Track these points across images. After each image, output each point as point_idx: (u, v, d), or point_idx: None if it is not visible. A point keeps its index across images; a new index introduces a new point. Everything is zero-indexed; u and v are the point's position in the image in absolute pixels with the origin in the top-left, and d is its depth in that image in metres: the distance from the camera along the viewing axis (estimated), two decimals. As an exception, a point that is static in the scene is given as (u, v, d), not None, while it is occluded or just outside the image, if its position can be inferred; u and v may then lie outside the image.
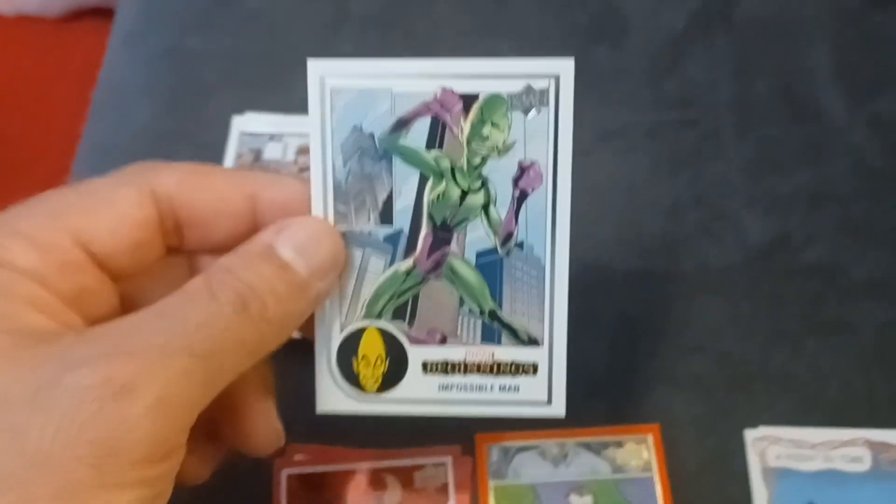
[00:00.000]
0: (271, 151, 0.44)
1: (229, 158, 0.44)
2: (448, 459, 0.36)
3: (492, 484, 0.36)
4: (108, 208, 0.26)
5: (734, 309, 0.41)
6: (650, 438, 0.37)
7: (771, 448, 0.37)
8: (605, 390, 0.39)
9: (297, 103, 0.46)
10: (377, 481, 0.36)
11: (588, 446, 0.37)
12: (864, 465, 0.37)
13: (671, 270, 0.42)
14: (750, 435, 0.37)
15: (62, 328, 0.24)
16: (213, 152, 0.45)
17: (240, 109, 0.46)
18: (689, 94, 0.47)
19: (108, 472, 0.21)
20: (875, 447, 0.37)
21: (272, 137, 0.44)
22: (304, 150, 0.44)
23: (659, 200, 0.44)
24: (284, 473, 0.36)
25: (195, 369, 0.23)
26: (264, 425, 0.29)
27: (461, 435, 0.37)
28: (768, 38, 0.49)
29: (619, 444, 0.37)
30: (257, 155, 0.44)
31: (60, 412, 0.21)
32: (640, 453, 0.37)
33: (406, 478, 0.36)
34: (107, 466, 0.21)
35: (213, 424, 0.28)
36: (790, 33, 0.49)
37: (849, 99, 0.46)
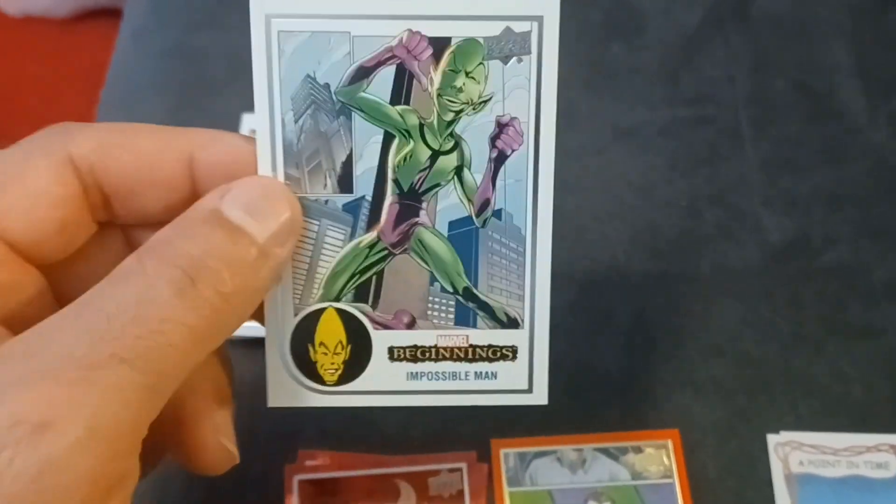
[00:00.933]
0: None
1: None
2: (463, 465, 0.35)
3: (508, 490, 0.35)
4: (20, 187, 0.22)
5: (753, 311, 0.40)
6: (670, 444, 0.36)
7: (794, 454, 0.36)
8: (622, 394, 0.38)
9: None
10: (390, 488, 0.35)
11: (606, 452, 0.36)
12: (890, 472, 0.36)
13: (688, 271, 0.41)
14: (772, 440, 0.37)
15: None
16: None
17: (248, 107, 0.46)
18: (705, 92, 0.47)
19: None
20: (901, 452, 0.36)
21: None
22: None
23: (675, 200, 0.43)
24: (296, 479, 0.35)
25: (132, 380, 0.19)
26: (213, 444, 0.24)
27: (477, 440, 0.36)
28: (785, 35, 0.48)
29: (639, 450, 0.36)
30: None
31: None
32: (659, 459, 0.36)
33: (420, 484, 0.35)
34: None
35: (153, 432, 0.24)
36: (807, 30, 0.48)
37: (869, 97, 0.46)
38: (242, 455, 0.36)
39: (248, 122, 0.44)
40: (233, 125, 0.45)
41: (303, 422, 0.37)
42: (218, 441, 0.24)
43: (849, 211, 0.43)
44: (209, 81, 0.48)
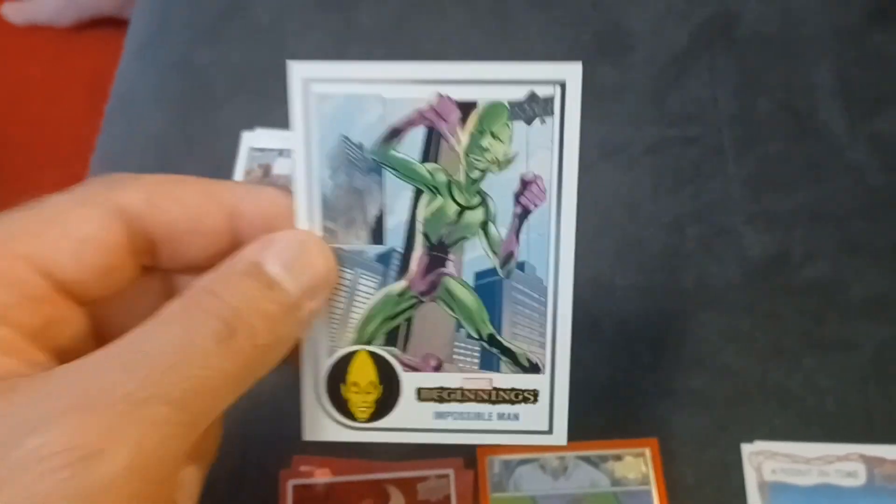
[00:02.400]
0: (280, 167, 0.44)
1: (238, 173, 0.45)
2: (450, 472, 0.37)
3: (493, 496, 0.37)
4: (70, 231, 0.24)
5: (733, 325, 0.42)
6: (648, 452, 0.38)
7: (767, 462, 0.38)
8: (604, 404, 0.40)
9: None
10: (381, 492, 0.37)
11: (587, 459, 0.37)
12: (860, 480, 0.37)
13: (671, 286, 0.43)
14: (746, 449, 0.38)
15: (28, 368, 0.22)
16: (222, 162, 0.46)
17: (249, 121, 0.47)
18: (691, 111, 0.48)
19: None
20: (870, 462, 0.38)
21: (281, 153, 0.45)
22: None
23: (660, 216, 0.45)
24: (290, 484, 0.37)
25: (172, 418, 0.21)
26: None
27: (464, 448, 0.38)
28: (770, 56, 0.49)
29: (618, 458, 0.37)
30: (266, 170, 0.44)
31: (26, 482, 0.19)
32: (638, 466, 0.37)
33: (409, 489, 0.37)
34: None
35: None
36: (791, 51, 0.50)
37: (849, 117, 0.47)
38: (239, 460, 0.38)
39: (247, 140, 0.46)
40: (232, 139, 0.47)
41: (297, 429, 0.38)
42: (172, 498, 0.25)
43: (828, 228, 0.44)
44: (211, 96, 0.49)
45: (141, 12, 0.53)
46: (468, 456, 0.37)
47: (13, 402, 0.20)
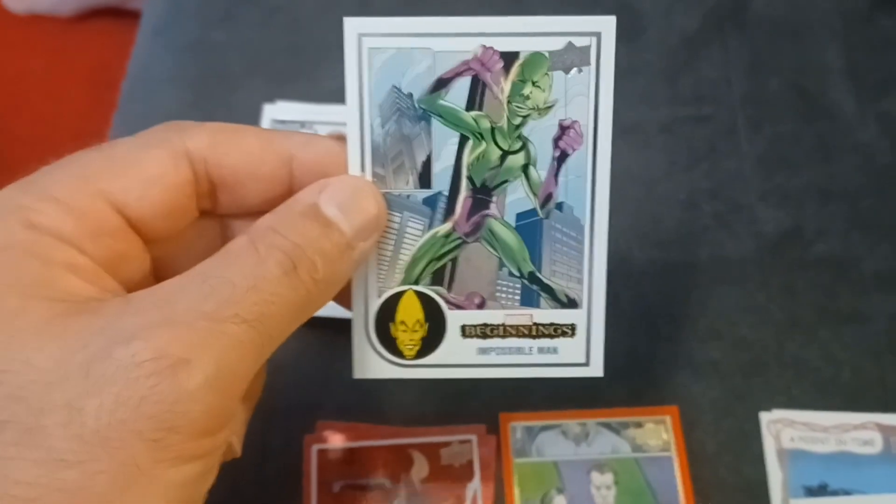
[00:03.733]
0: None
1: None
2: (473, 437, 0.37)
3: (515, 461, 0.37)
4: (142, 171, 0.25)
5: (749, 298, 0.42)
6: (669, 419, 0.38)
7: (785, 430, 0.38)
8: (625, 374, 0.40)
9: (321, 94, 0.48)
10: (404, 457, 0.37)
11: (609, 426, 0.38)
12: (876, 448, 0.38)
13: (688, 260, 0.43)
14: (765, 417, 0.39)
15: (103, 293, 0.23)
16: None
17: (266, 99, 0.47)
18: (704, 92, 0.48)
19: (169, 447, 0.21)
20: (886, 430, 0.38)
21: (303, 125, 0.45)
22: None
23: (675, 193, 0.45)
24: (315, 449, 0.37)
25: (247, 336, 0.22)
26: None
27: (487, 414, 0.38)
28: (780, 38, 0.50)
29: (639, 425, 0.38)
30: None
31: (116, 389, 0.20)
32: (659, 433, 0.38)
33: (432, 454, 0.37)
34: (167, 441, 0.21)
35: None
36: (800, 33, 0.50)
37: (858, 98, 0.48)
38: (263, 426, 0.38)
39: (269, 112, 0.46)
40: (252, 117, 0.47)
41: (322, 395, 0.38)
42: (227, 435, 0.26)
43: (839, 205, 0.45)
44: (227, 75, 0.49)
45: (154, -1, 0.53)
46: (491, 423, 0.38)
47: (99, 317, 0.22)
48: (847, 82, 0.48)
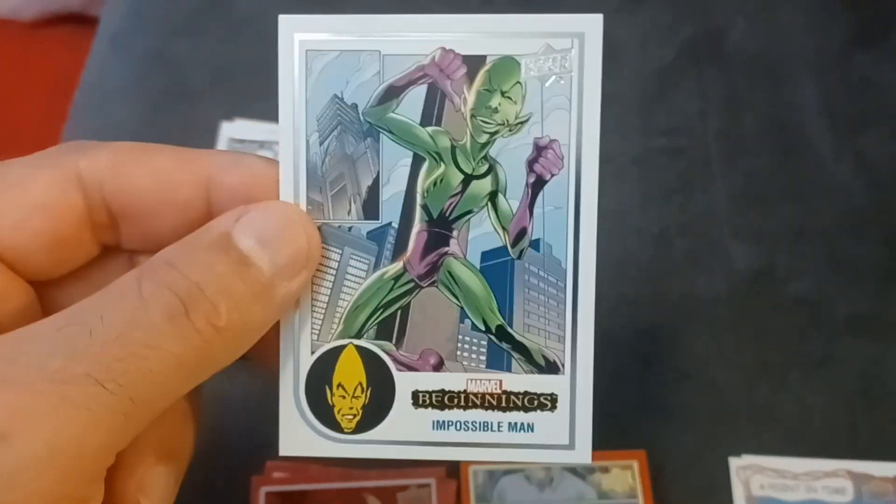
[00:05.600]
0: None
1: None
2: (432, 481, 0.35)
3: (476, 507, 0.35)
4: (21, 196, 0.21)
5: (720, 339, 0.41)
6: (636, 465, 0.37)
7: (755, 477, 0.37)
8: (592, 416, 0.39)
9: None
10: (359, 501, 0.35)
11: (574, 471, 0.36)
12: (847, 497, 0.37)
13: (658, 297, 0.42)
14: (734, 463, 0.37)
15: None
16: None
17: (226, 116, 0.46)
18: (678, 124, 0.48)
19: None
20: (857, 478, 0.37)
21: (262, 145, 0.43)
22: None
23: (647, 227, 0.44)
24: (263, 491, 0.35)
25: (102, 402, 0.18)
26: (129, 499, 0.22)
27: (446, 456, 0.36)
28: (755, 72, 0.50)
29: (605, 470, 0.36)
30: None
31: None
32: (625, 479, 0.36)
33: (389, 499, 0.35)
34: None
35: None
36: (777, 69, 0.50)
37: (834, 135, 0.47)
38: (205, 465, 0.36)
39: (226, 131, 0.44)
40: (210, 134, 0.45)
41: (271, 433, 0.36)
42: (136, 499, 0.22)
43: (813, 244, 0.44)
44: (187, 90, 0.48)
45: (114, 2, 0.51)
46: (451, 465, 0.36)
47: None
48: (823, 119, 0.48)
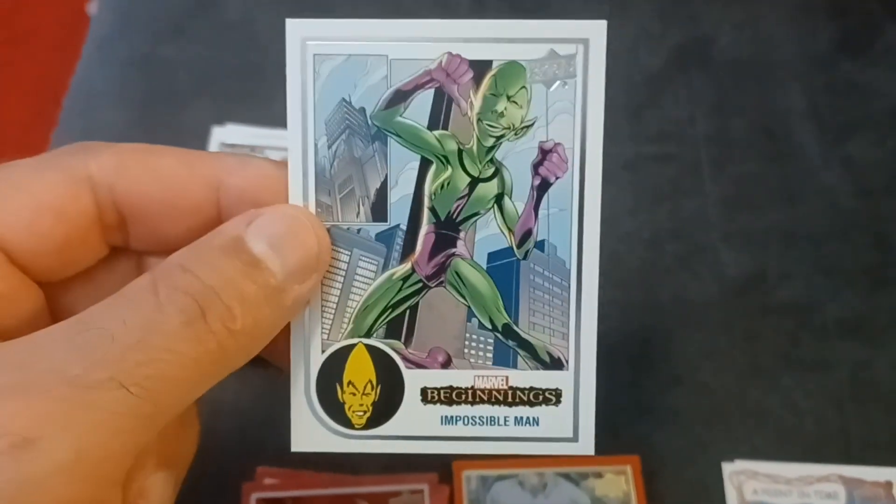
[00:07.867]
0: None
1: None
2: (425, 487, 0.35)
3: (469, 513, 0.35)
4: (30, 198, 0.21)
5: (711, 342, 0.41)
6: (629, 470, 0.36)
7: (748, 482, 0.37)
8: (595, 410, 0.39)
9: (275, 118, 0.46)
10: (351, 507, 0.35)
11: (567, 476, 0.36)
12: (839, 501, 0.37)
13: (649, 302, 0.42)
14: (727, 468, 0.37)
15: None
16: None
17: (215, 121, 0.45)
18: (668, 130, 0.48)
19: None
20: (849, 483, 0.37)
21: (252, 150, 0.43)
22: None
23: (637, 232, 0.44)
24: (254, 498, 0.34)
25: (125, 406, 0.18)
26: None
27: (439, 461, 0.36)
28: (744, 78, 0.50)
29: (599, 475, 0.36)
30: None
31: None
32: (619, 484, 0.36)
33: (381, 504, 0.35)
34: None
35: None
36: (765, 75, 0.50)
37: (822, 140, 0.48)
38: (196, 472, 0.35)
39: (217, 135, 0.44)
40: (200, 138, 0.45)
41: (262, 438, 0.36)
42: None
43: (803, 248, 0.44)
44: (175, 94, 0.48)
45: (103, 6, 0.51)
46: (444, 471, 0.36)
47: None
48: (811, 125, 0.48)
